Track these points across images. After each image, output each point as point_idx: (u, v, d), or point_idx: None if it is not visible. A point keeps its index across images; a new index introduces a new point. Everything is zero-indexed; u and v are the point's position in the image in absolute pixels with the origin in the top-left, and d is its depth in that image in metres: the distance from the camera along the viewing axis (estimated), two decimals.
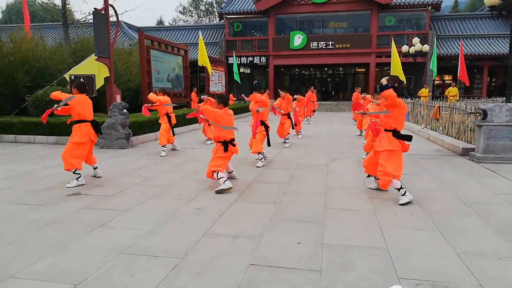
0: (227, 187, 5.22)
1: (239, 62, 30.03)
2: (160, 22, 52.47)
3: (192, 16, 52.14)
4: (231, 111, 5.58)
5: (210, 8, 50.94)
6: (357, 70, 32.35)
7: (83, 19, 16.70)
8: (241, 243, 3.55)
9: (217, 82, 22.86)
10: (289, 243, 3.55)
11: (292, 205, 4.75)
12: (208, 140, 10.18)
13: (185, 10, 52.05)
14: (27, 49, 14.61)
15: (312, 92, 17.97)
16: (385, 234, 3.75)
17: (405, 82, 20.84)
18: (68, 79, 11.71)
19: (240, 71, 30.41)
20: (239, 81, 24.54)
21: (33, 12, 23.41)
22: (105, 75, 12.09)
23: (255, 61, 30.09)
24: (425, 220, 4.17)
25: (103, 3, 11.67)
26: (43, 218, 4.24)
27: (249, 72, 32.32)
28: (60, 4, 15.94)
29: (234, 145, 5.58)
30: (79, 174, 5.70)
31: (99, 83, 11.95)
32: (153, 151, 9.02)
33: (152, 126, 11.23)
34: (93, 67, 11.83)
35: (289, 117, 9.82)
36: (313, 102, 17.37)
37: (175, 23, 49.98)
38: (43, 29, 23.89)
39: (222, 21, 32.29)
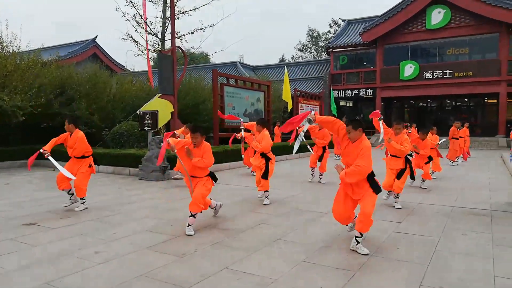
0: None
1: (343, 96, 29.03)
2: (282, 60, 54.77)
3: (311, 53, 53.04)
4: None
5: None
6: (486, 101, 27.62)
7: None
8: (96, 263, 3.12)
9: None
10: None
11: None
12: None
13: (304, 47, 53.33)
14: (125, 90, 16.74)
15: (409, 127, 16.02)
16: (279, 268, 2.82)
17: None
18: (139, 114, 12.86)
19: (341, 104, 29.31)
20: (335, 114, 23.59)
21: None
22: (170, 110, 12.92)
23: (360, 94, 28.56)
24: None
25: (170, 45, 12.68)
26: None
27: (351, 105, 30.83)
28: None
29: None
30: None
31: (164, 118, 12.78)
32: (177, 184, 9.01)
33: None
34: (160, 104, 12.77)
35: (324, 150, 8.87)
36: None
37: (294, 60, 51.44)
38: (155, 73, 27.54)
39: (329, 56, 31.89)
